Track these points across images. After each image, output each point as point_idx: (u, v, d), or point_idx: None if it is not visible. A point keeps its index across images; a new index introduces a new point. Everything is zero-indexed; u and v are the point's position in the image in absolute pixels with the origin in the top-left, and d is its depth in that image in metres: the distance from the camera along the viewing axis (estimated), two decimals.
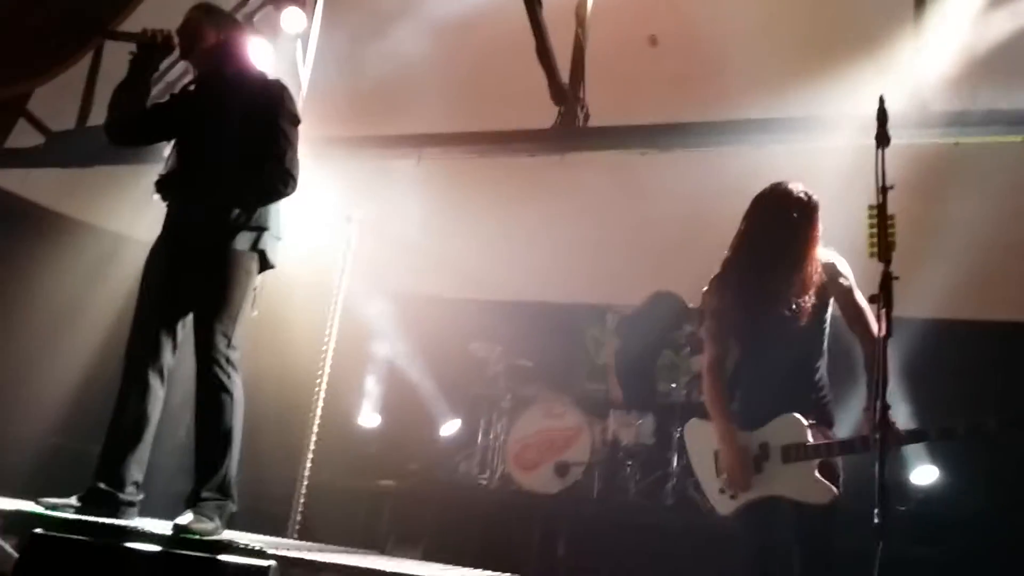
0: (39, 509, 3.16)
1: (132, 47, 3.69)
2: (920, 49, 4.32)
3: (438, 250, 7.01)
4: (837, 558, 3.62)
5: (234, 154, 3.46)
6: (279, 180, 3.47)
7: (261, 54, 4.09)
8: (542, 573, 6.06)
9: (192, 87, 3.81)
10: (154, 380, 3.48)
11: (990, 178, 5.28)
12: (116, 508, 3.37)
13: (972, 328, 6.72)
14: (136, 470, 3.46)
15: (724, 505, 3.57)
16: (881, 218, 2.90)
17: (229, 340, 3.40)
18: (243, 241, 3.47)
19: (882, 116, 3.03)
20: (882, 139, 3.00)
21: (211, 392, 3.37)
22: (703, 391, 3.75)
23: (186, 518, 3.17)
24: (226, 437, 3.37)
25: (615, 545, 6.34)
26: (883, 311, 2.84)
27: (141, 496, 3.50)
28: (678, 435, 6.96)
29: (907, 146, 4.04)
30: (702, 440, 3.73)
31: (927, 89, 4.21)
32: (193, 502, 3.30)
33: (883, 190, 2.94)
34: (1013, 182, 5.28)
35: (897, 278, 2.86)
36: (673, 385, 7.37)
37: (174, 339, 3.54)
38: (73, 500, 3.32)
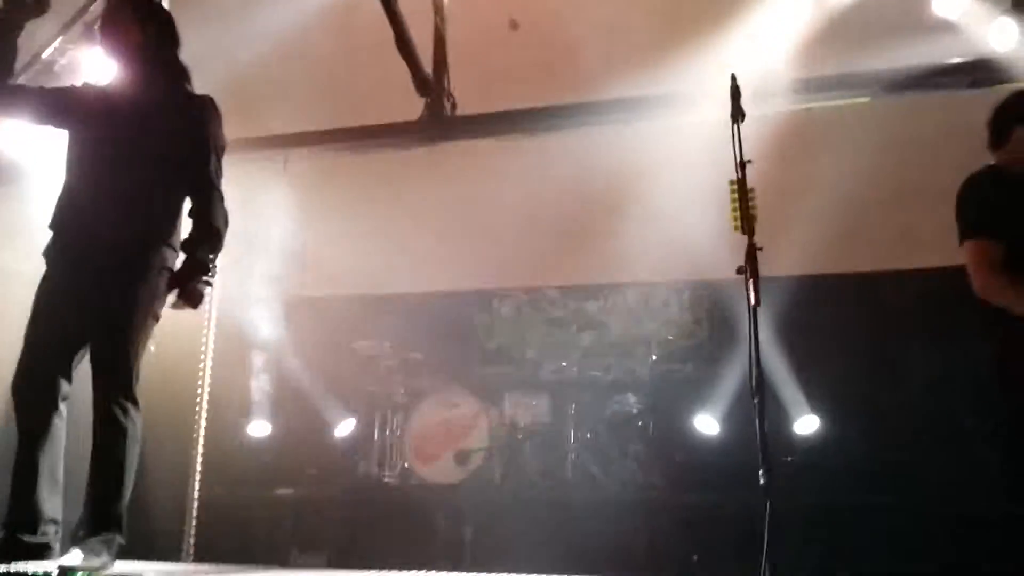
0: None
1: None
2: (770, 20, 4.46)
3: (315, 251, 6.86)
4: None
5: (157, 174, 3.28)
6: (224, 219, 3.35)
7: None
8: (450, 562, 6.07)
9: (105, 84, 3.50)
10: (57, 416, 3.24)
11: (844, 138, 5.51)
12: (28, 552, 3.13)
13: (840, 280, 7.05)
14: (49, 508, 3.22)
15: None
16: (742, 192, 3.00)
17: (132, 372, 3.23)
18: (158, 261, 3.28)
19: (735, 92, 3.13)
20: (737, 114, 3.09)
21: (108, 426, 3.19)
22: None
23: (73, 556, 3.04)
24: (119, 472, 3.21)
25: (521, 526, 6.40)
26: (751, 281, 2.94)
27: (58, 534, 3.26)
28: (572, 411, 7.10)
29: (764, 115, 4.20)
30: None
31: (779, 59, 4.36)
32: (80, 539, 3.15)
33: (742, 165, 3.04)
34: (865, 140, 5.53)
35: (760, 249, 2.97)
36: (564, 363, 7.47)
37: (72, 368, 3.28)
38: None
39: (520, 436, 7.14)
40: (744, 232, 2.99)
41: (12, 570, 2.94)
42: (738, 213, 3.00)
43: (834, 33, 4.45)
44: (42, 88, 3.52)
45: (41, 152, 5.23)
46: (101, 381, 3.22)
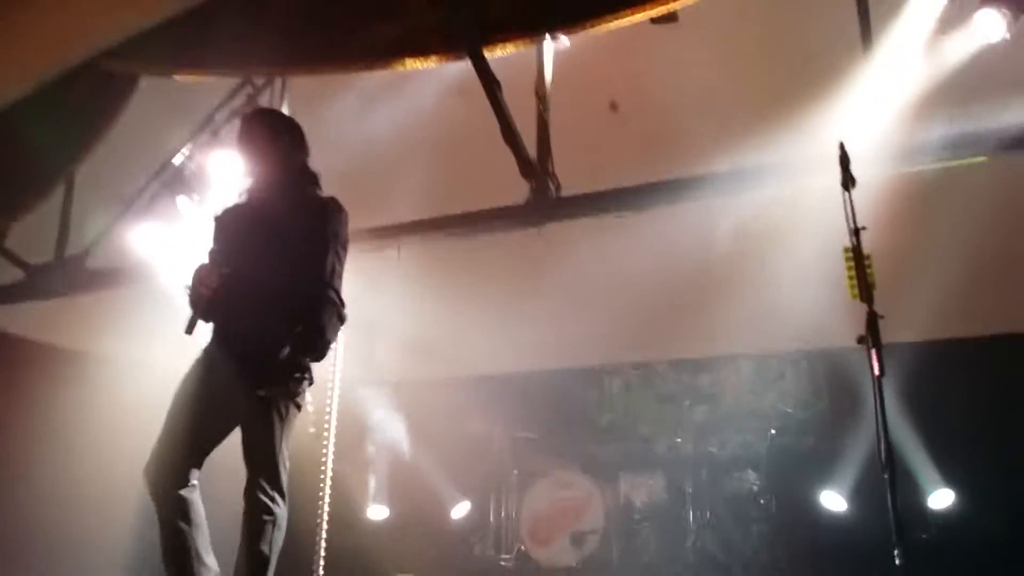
0: None
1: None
2: (873, 83, 4.39)
3: (426, 335, 7.00)
4: None
5: (289, 273, 3.41)
6: (339, 316, 3.45)
7: None
8: None
9: (240, 199, 3.70)
10: (190, 493, 3.32)
11: (963, 198, 5.32)
12: None
13: (961, 345, 6.76)
14: None
15: None
16: (858, 260, 2.94)
17: (279, 463, 3.33)
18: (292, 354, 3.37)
19: (844, 160, 3.10)
20: (847, 182, 3.06)
21: (257, 514, 3.27)
22: None
23: None
24: (265, 559, 3.27)
25: None
26: (873, 351, 2.86)
27: None
28: (689, 489, 6.92)
29: (873, 180, 4.11)
30: None
31: (889, 122, 4.27)
32: None
33: (856, 232, 2.99)
34: (985, 199, 5.33)
35: (882, 317, 2.89)
36: (678, 440, 7.33)
37: (205, 457, 3.39)
38: None
39: (637, 516, 7.00)
40: (862, 300, 2.92)
41: None
42: (855, 281, 2.94)
43: (948, 92, 4.34)
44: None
45: (171, 252, 5.55)
46: (250, 471, 3.32)
